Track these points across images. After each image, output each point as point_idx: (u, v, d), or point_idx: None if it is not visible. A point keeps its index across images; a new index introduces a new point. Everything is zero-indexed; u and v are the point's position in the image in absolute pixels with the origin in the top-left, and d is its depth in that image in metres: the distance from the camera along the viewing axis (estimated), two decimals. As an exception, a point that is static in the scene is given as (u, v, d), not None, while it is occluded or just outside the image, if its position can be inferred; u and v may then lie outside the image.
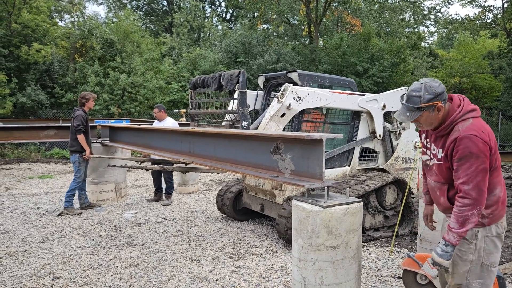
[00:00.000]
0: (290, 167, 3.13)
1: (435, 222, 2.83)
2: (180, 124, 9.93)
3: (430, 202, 2.82)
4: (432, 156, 2.49)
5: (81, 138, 6.47)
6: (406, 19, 27.56)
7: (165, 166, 5.62)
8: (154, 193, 7.67)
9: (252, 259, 4.60)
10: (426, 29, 32.58)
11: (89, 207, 6.86)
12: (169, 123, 7.31)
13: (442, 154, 2.37)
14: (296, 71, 5.32)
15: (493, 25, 20.85)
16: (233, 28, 30.45)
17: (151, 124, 7.83)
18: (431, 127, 2.42)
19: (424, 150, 2.62)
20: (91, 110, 16.19)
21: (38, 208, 7.02)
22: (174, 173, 7.96)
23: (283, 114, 4.72)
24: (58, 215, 6.45)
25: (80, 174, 6.61)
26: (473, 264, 2.35)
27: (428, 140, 2.54)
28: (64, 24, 24.06)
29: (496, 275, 2.94)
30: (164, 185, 7.59)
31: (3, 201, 7.60)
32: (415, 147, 6.17)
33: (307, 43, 23.67)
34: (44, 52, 15.82)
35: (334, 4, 23.00)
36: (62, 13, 25.38)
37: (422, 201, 2.85)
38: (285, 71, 5.55)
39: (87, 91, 6.69)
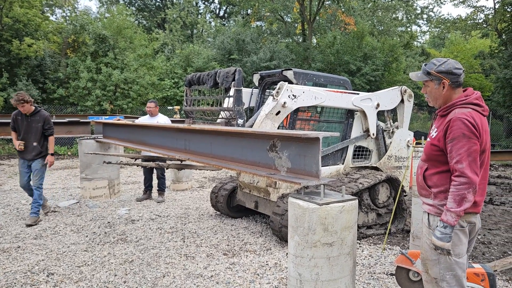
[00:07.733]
0: (286, 164, 3.16)
1: None
2: (174, 121, 9.87)
3: None
4: (428, 137, 2.58)
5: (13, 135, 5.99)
6: (399, 18, 27.75)
7: (160, 163, 5.61)
8: (143, 192, 7.57)
9: (247, 256, 4.63)
10: (418, 29, 32.87)
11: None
12: (163, 119, 7.25)
13: (435, 133, 2.46)
14: (291, 69, 5.34)
15: (484, 25, 21.07)
16: (227, 25, 30.37)
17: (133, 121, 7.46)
18: (435, 104, 2.53)
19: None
20: (84, 106, 16.21)
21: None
22: (167, 170, 7.93)
23: (278, 112, 4.74)
24: (45, 213, 6.33)
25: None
26: (440, 254, 2.41)
27: (434, 125, 2.61)
28: (56, 19, 23.83)
29: (486, 271, 3.01)
30: (155, 183, 7.54)
31: (-5, 197, 7.54)
32: (408, 146, 6.24)
33: (300, 41, 23.70)
34: (36, 47, 15.64)
35: (327, 2, 23.06)
36: (53, 8, 25.09)
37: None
38: (280, 69, 5.57)
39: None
